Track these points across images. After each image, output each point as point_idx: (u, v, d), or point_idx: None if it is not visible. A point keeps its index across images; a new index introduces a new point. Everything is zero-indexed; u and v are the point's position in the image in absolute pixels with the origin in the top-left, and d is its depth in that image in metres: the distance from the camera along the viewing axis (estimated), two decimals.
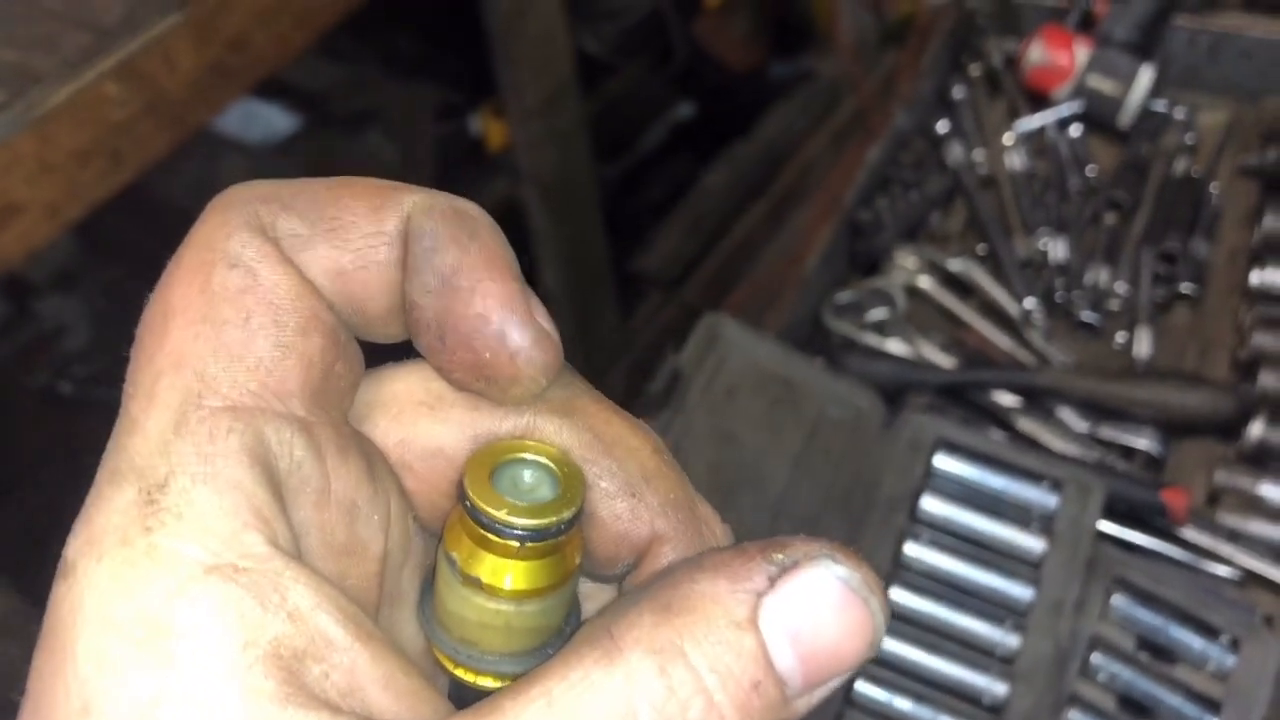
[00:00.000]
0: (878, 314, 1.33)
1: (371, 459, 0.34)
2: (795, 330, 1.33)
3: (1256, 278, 1.28)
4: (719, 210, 2.44)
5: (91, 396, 1.95)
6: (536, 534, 0.31)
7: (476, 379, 0.34)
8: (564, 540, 0.32)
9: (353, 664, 0.29)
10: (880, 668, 0.94)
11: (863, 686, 0.93)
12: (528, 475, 0.33)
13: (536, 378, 0.34)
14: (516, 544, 0.31)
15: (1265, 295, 1.27)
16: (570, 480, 0.33)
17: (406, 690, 0.29)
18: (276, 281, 0.31)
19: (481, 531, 0.32)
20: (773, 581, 0.29)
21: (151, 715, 0.27)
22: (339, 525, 0.32)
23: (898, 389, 1.24)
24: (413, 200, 0.33)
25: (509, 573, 0.32)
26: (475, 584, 0.32)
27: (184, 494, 0.28)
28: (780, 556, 0.30)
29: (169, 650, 0.27)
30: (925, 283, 1.36)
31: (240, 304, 0.31)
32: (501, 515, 0.31)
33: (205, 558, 0.28)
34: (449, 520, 0.33)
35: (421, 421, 0.35)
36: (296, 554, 0.30)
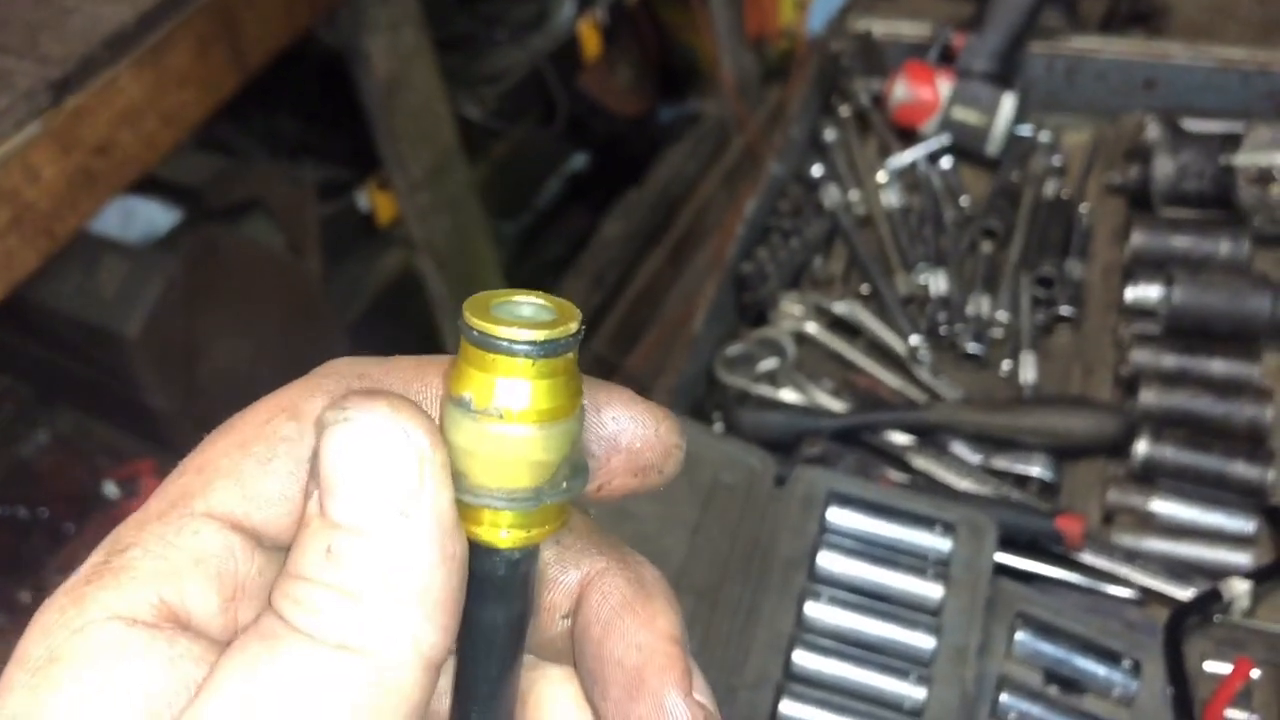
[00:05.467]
0: (769, 364, 1.34)
1: None
2: (689, 387, 1.33)
3: (1130, 294, 1.31)
4: (620, 259, 2.45)
5: None
6: (547, 345, 0.32)
7: None
8: (571, 360, 0.32)
9: None
10: None
11: None
12: (524, 309, 0.34)
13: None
14: (529, 359, 0.32)
15: (1139, 311, 1.30)
16: (565, 308, 0.33)
17: None
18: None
19: (492, 356, 0.32)
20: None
21: None
22: None
23: (794, 438, 1.24)
24: None
25: (525, 391, 0.32)
26: (493, 414, 0.32)
27: (132, 561, 0.33)
28: None
29: (52, 675, 0.31)
30: (812, 328, 1.37)
31: (274, 448, 0.35)
32: (511, 332, 0.32)
33: (119, 608, 0.32)
34: (449, 370, 0.34)
35: None
36: (212, 633, 0.34)
